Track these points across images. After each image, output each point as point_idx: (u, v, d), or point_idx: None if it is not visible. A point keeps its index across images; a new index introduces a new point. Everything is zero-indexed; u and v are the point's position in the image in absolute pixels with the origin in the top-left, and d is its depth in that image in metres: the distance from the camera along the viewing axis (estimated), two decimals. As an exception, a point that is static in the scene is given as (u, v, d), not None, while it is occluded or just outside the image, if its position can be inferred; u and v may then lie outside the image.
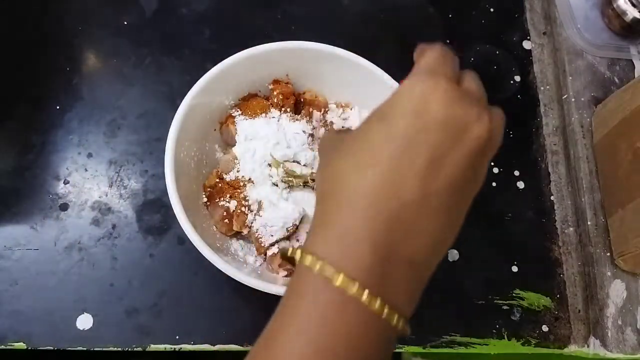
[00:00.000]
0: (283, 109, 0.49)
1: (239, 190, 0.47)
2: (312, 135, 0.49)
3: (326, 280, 0.24)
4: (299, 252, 0.25)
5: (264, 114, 0.49)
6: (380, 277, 0.24)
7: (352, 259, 0.24)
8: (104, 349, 0.45)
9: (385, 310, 0.24)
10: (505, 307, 0.51)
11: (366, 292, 0.23)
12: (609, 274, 0.51)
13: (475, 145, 0.25)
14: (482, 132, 0.25)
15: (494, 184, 0.55)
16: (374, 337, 0.24)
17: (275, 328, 0.25)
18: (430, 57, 0.27)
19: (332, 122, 0.51)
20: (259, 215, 0.45)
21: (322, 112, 0.51)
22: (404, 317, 0.25)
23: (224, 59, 0.46)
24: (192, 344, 0.45)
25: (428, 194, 0.24)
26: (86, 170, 0.51)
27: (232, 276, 0.40)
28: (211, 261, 0.40)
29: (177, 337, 0.45)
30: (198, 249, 0.41)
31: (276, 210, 0.45)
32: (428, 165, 0.24)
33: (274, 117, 0.48)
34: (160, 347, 0.45)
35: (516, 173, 0.56)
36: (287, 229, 0.45)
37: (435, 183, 0.24)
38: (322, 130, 0.50)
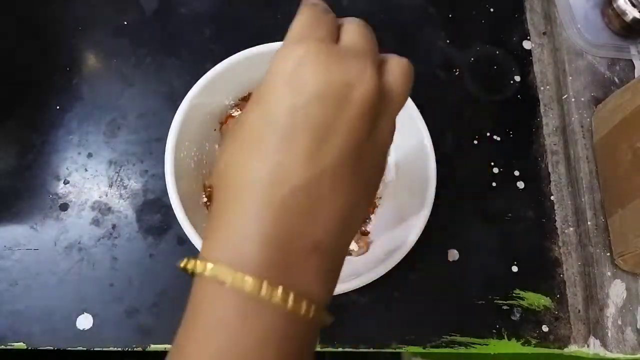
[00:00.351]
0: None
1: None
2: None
3: (220, 284, 0.22)
4: (192, 261, 0.24)
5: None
6: (279, 268, 0.22)
7: (244, 257, 0.22)
8: (104, 349, 0.45)
9: (290, 300, 0.22)
10: (505, 307, 0.51)
11: (264, 285, 0.22)
12: (609, 274, 0.51)
13: (361, 107, 0.23)
14: (366, 90, 0.23)
15: (494, 184, 0.55)
16: (284, 331, 0.22)
17: (181, 344, 0.24)
18: (297, 23, 0.25)
19: None
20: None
21: None
22: (316, 304, 0.23)
23: (224, 59, 0.46)
24: (192, 344, 0.45)
25: (319, 174, 0.23)
26: (86, 170, 0.51)
27: (232, 276, 0.40)
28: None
29: (177, 337, 0.45)
30: (198, 249, 0.41)
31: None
32: (312, 143, 0.22)
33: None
34: (160, 347, 0.45)
35: (516, 173, 0.56)
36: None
37: (324, 160, 0.23)
38: None
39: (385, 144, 0.26)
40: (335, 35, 0.25)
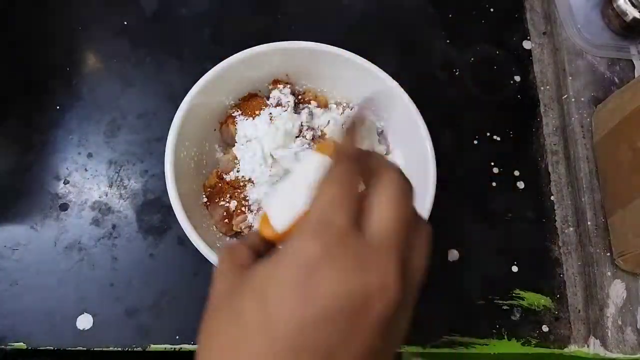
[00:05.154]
0: (283, 108, 0.49)
1: (239, 190, 0.47)
2: (312, 131, 0.49)
3: None
4: None
5: (263, 114, 0.49)
6: None
7: None
8: (104, 349, 0.45)
9: None
10: (505, 307, 0.51)
11: None
12: (609, 274, 0.51)
13: (379, 323, 0.20)
14: (386, 305, 0.20)
15: (494, 184, 0.55)
16: None
17: None
18: (320, 202, 0.22)
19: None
20: (259, 215, 0.45)
21: (322, 109, 0.51)
22: None
23: (224, 59, 0.46)
24: (192, 344, 0.45)
25: None
26: (86, 170, 0.51)
27: (232, 276, 0.40)
28: (211, 261, 0.40)
29: (177, 337, 0.45)
30: (198, 249, 0.41)
31: (276, 210, 0.45)
32: None
33: (274, 117, 0.48)
34: (160, 347, 0.45)
35: (516, 173, 0.56)
36: (287, 229, 0.45)
37: None
38: (322, 118, 0.50)
39: (400, 338, 0.23)
40: (357, 214, 0.22)
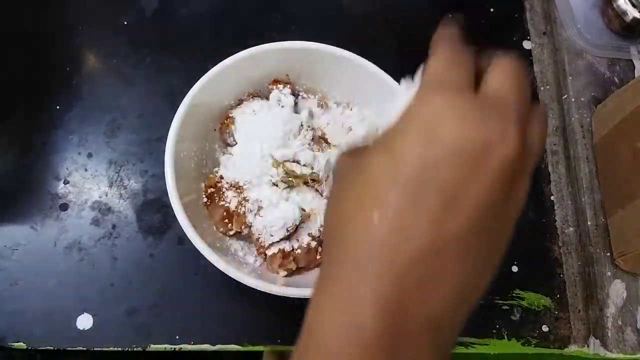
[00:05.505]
0: (283, 108, 0.49)
1: (239, 191, 0.47)
2: (312, 131, 0.49)
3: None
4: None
5: (263, 114, 0.49)
6: (392, 337, 0.21)
7: (356, 318, 0.21)
8: (104, 349, 0.45)
9: None
10: (505, 307, 0.51)
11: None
12: (609, 274, 0.51)
13: (500, 171, 0.21)
14: (508, 152, 0.21)
15: (494, 184, 0.55)
16: None
17: None
18: (434, 64, 0.23)
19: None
20: (259, 215, 0.45)
21: (322, 109, 0.51)
22: None
23: (224, 59, 0.46)
24: (192, 344, 0.45)
25: (445, 241, 0.20)
26: (86, 170, 0.51)
27: (232, 276, 0.40)
28: (211, 261, 0.40)
29: (177, 337, 0.45)
30: (198, 249, 0.41)
31: (276, 211, 0.45)
32: (442, 207, 0.20)
33: (274, 117, 0.48)
34: (160, 347, 0.45)
35: (516, 173, 0.56)
36: (287, 229, 0.45)
37: (452, 225, 0.20)
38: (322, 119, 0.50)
39: (520, 207, 0.23)
40: (473, 80, 0.23)
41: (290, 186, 0.48)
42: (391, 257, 0.21)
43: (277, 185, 0.47)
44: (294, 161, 0.47)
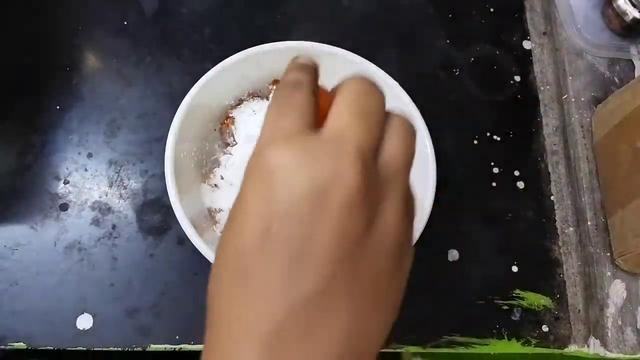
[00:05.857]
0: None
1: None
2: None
3: None
4: None
5: (263, 114, 0.49)
6: None
7: None
8: (104, 349, 0.45)
9: None
10: (505, 307, 0.51)
11: None
12: (609, 274, 0.51)
13: (344, 208, 0.19)
14: (345, 192, 0.19)
15: (494, 184, 0.55)
16: None
17: None
18: (267, 115, 0.22)
19: None
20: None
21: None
22: None
23: (224, 59, 0.46)
24: (192, 344, 0.45)
25: (304, 298, 0.19)
26: (86, 170, 0.51)
27: (232, 276, 0.40)
28: (211, 261, 0.40)
29: (177, 337, 0.45)
30: (198, 249, 0.41)
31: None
32: (288, 265, 0.19)
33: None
34: (160, 347, 0.45)
35: (516, 173, 0.56)
36: (287, 229, 0.45)
37: (305, 281, 0.19)
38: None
39: (396, 230, 0.21)
40: (313, 116, 0.22)
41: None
42: (257, 327, 0.19)
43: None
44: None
